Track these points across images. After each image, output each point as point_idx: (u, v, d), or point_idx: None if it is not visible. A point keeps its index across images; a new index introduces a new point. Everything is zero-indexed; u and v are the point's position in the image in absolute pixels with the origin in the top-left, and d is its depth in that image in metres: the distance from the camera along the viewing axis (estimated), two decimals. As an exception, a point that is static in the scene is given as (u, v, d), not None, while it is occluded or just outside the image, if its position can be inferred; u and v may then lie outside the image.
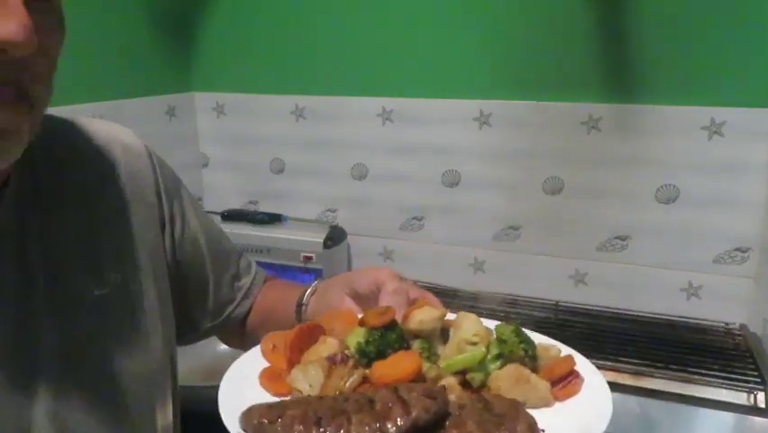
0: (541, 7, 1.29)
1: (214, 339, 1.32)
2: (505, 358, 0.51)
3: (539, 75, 1.33)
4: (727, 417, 0.92)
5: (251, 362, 0.55)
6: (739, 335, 1.20)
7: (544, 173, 1.36)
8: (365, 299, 0.66)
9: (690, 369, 1.04)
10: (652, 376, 1.02)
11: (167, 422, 0.66)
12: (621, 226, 1.33)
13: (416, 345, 0.53)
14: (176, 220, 0.71)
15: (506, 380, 0.49)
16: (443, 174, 1.45)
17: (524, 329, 0.54)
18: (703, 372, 1.03)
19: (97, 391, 0.57)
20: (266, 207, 1.62)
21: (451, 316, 0.57)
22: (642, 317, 1.27)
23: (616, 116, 1.28)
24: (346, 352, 0.51)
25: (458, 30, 1.37)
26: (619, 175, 1.31)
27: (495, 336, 0.53)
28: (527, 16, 1.31)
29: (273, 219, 1.52)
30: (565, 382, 0.51)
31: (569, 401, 0.50)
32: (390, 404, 0.41)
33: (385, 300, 0.60)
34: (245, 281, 0.80)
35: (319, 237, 1.43)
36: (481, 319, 0.55)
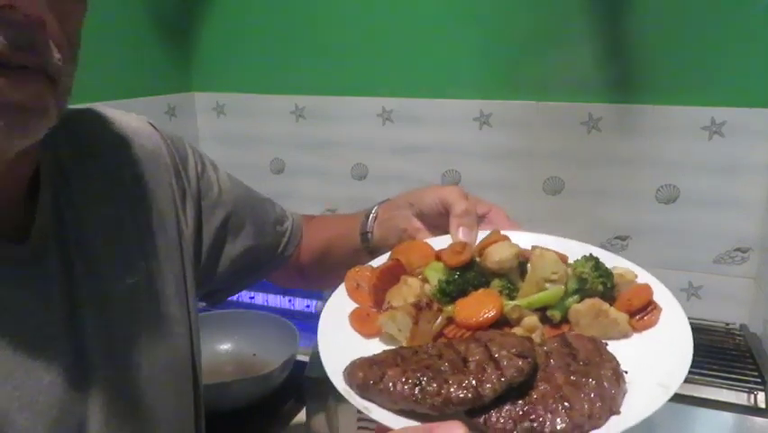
0: (541, 7, 1.29)
1: (213, 339, 1.33)
2: (584, 293, 0.51)
3: (539, 75, 1.33)
4: (727, 417, 0.92)
5: (339, 301, 0.56)
6: (739, 335, 1.20)
7: (544, 173, 1.36)
8: (431, 219, 0.66)
9: (690, 369, 1.03)
10: (652, 376, 1.02)
11: (187, 411, 0.67)
12: (621, 226, 1.33)
13: (495, 282, 0.54)
14: (200, 190, 0.71)
15: (585, 315, 0.50)
16: (443, 174, 1.45)
17: (598, 253, 0.54)
18: (703, 372, 1.02)
19: (129, 378, 0.58)
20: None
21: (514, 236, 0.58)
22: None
23: (616, 116, 1.28)
24: (429, 295, 0.53)
25: (458, 30, 1.37)
26: (619, 175, 1.31)
27: (574, 271, 0.53)
28: (527, 16, 1.31)
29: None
30: (644, 312, 0.51)
31: (647, 332, 0.50)
32: (484, 365, 0.42)
33: (456, 224, 0.61)
34: (287, 225, 0.82)
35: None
36: (563, 242, 0.58)
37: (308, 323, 1.45)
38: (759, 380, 1.00)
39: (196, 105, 1.65)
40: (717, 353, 1.11)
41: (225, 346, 1.33)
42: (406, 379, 0.42)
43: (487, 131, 1.39)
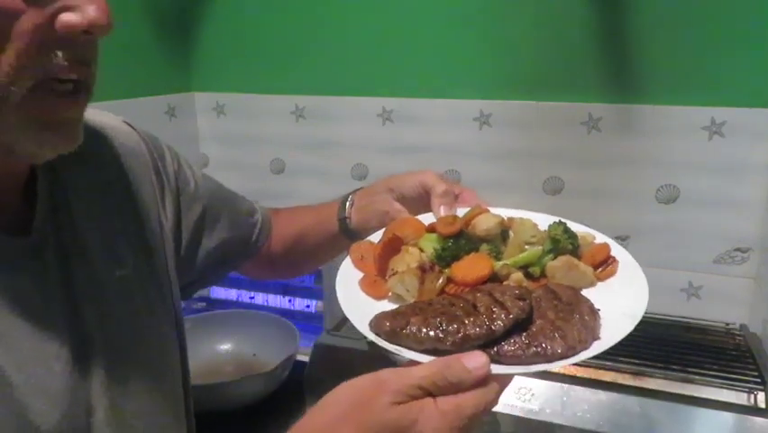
0: (541, 7, 1.29)
1: (213, 339, 1.33)
2: (557, 252, 0.62)
3: (539, 75, 1.33)
4: (727, 417, 0.92)
5: (348, 271, 0.63)
6: (739, 335, 1.20)
7: (544, 173, 1.36)
8: (412, 201, 0.73)
9: (690, 369, 1.03)
10: (652, 376, 1.02)
11: (178, 392, 0.69)
12: (621, 226, 1.33)
13: (484, 247, 0.63)
14: (177, 187, 0.74)
15: (559, 269, 0.60)
16: (443, 174, 1.45)
17: (566, 222, 0.65)
18: (703, 372, 1.03)
19: (128, 364, 0.60)
20: (266, 206, 1.62)
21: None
22: (642, 317, 1.27)
23: (616, 116, 1.28)
24: (428, 258, 0.61)
25: (458, 30, 1.37)
26: (619, 175, 1.31)
27: (548, 234, 0.64)
28: (527, 16, 1.31)
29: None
30: (605, 265, 0.62)
31: (609, 280, 0.61)
32: (492, 307, 0.51)
33: (437, 203, 0.69)
34: (257, 216, 0.87)
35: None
36: (531, 214, 0.68)
37: (308, 323, 1.45)
38: (759, 380, 1.00)
39: (196, 105, 1.65)
40: (717, 353, 1.11)
41: (225, 346, 1.33)
42: (429, 323, 0.50)
43: (487, 131, 1.39)
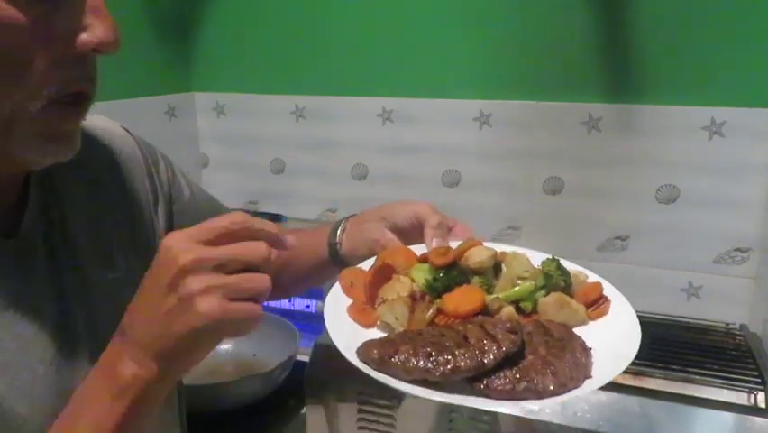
0: (541, 7, 1.29)
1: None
2: (549, 288, 0.62)
3: (539, 75, 1.33)
4: (727, 417, 0.92)
5: (337, 297, 0.63)
6: (739, 335, 1.20)
7: (544, 173, 1.36)
8: (404, 231, 0.73)
9: (690, 369, 1.03)
10: (652, 376, 1.02)
11: (170, 405, 0.69)
12: (621, 226, 1.33)
13: (476, 280, 0.63)
14: (170, 196, 0.74)
15: (551, 306, 0.60)
16: (443, 174, 1.45)
17: (560, 259, 0.65)
18: (703, 372, 1.02)
19: None
20: (266, 207, 1.62)
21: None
22: (642, 317, 1.26)
23: (616, 116, 1.28)
24: (419, 288, 0.61)
25: (458, 30, 1.37)
26: (619, 175, 1.31)
27: (541, 270, 0.63)
28: (527, 16, 1.31)
29: (273, 219, 1.52)
30: (597, 304, 0.62)
31: (600, 320, 0.60)
32: (483, 340, 0.50)
33: (431, 235, 0.69)
34: None
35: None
36: (524, 251, 0.68)
37: (308, 323, 1.45)
38: (759, 380, 1.00)
39: (196, 105, 1.65)
40: (718, 353, 1.11)
41: (225, 346, 1.33)
42: (418, 354, 0.50)
43: (487, 131, 1.39)
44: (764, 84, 1.18)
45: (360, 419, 1.00)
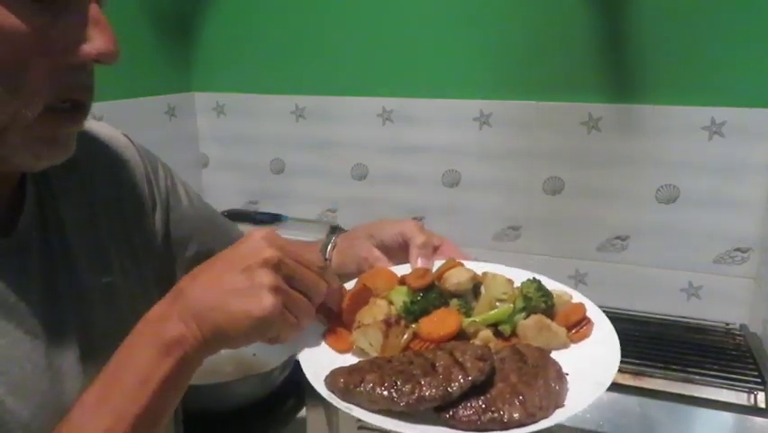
0: (541, 7, 1.29)
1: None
2: (529, 310, 0.59)
3: (539, 75, 1.33)
4: (727, 417, 0.92)
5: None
6: (739, 335, 1.20)
7: (544, 173, 1.36)
8: (391, 250, 0.72)
9: (690, 369, 1.04)
10: (652, 376, 1.02)
11: None
12: (621, 226, 1.33)
13: (454, 302, 0.61)
14: (168, 204, 0.74)
15: (531, 329, 0.58)
16: (443, 174, 1.45)
17: (542, 279, 0.63)
18: (703, 372, 1.03)
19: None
20: (266, 207, 1.62)
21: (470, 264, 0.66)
22: (642, 317, 1.27)
23: (616, 116, 1.28)
24: (395, 313, 0.60)
25: (458, 30, 1.37)
26: (619, 175, 1.31)
27: (520, 291, 0.61)
28: (527, 16, 1.31)
29: (273, 219, 1.52)
30: (579, 326, 0.60)
31: (582, 343, 0.58)
32: (451, 368, 0.49)
33: (415, 254, 0.68)
34: None
35: (319, 237, 1.43)
36: (506, 269, 0.66)
37: (308, 323, 1.45)
38: (759, 380, 1.00)
39: (196, 105, 1.65)
40: (718, 353, 1.11)
41: (225, 346, 1.33)
42: (384, 382, 0.49)
43: (487, 131, 1.39)
44: (764, 84, 1.18)
45: (359, 419, 1.00)
